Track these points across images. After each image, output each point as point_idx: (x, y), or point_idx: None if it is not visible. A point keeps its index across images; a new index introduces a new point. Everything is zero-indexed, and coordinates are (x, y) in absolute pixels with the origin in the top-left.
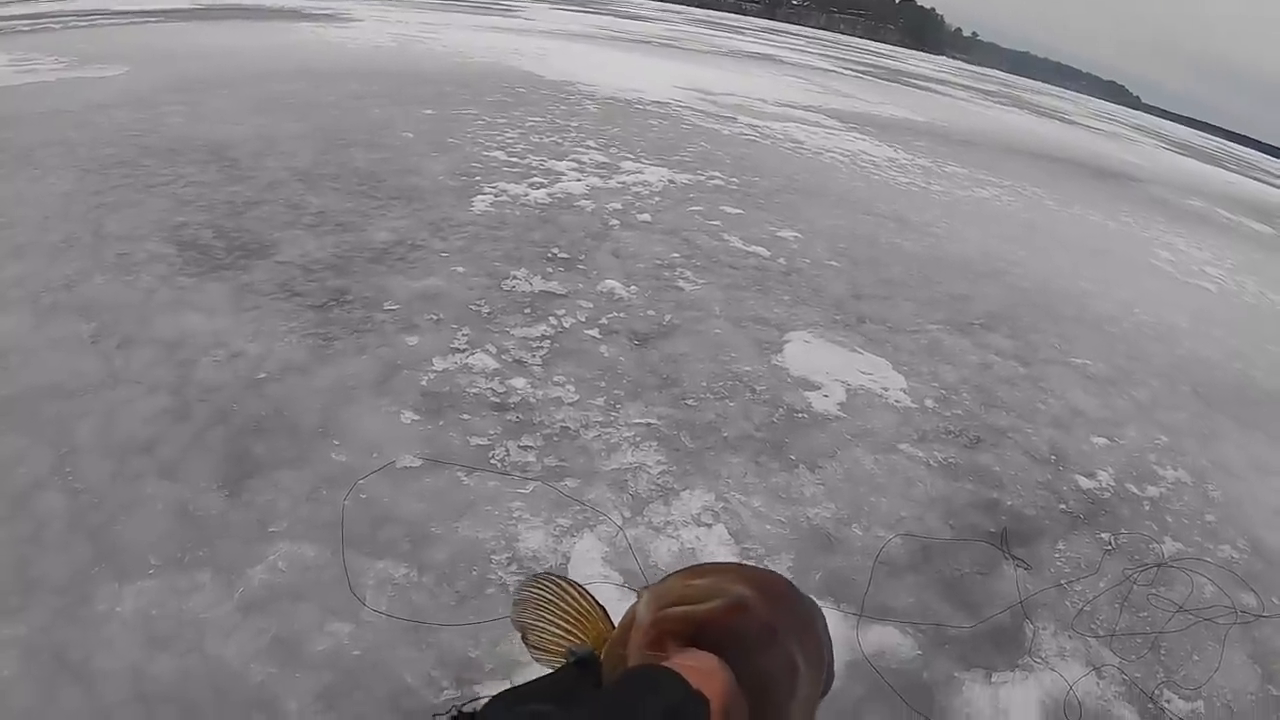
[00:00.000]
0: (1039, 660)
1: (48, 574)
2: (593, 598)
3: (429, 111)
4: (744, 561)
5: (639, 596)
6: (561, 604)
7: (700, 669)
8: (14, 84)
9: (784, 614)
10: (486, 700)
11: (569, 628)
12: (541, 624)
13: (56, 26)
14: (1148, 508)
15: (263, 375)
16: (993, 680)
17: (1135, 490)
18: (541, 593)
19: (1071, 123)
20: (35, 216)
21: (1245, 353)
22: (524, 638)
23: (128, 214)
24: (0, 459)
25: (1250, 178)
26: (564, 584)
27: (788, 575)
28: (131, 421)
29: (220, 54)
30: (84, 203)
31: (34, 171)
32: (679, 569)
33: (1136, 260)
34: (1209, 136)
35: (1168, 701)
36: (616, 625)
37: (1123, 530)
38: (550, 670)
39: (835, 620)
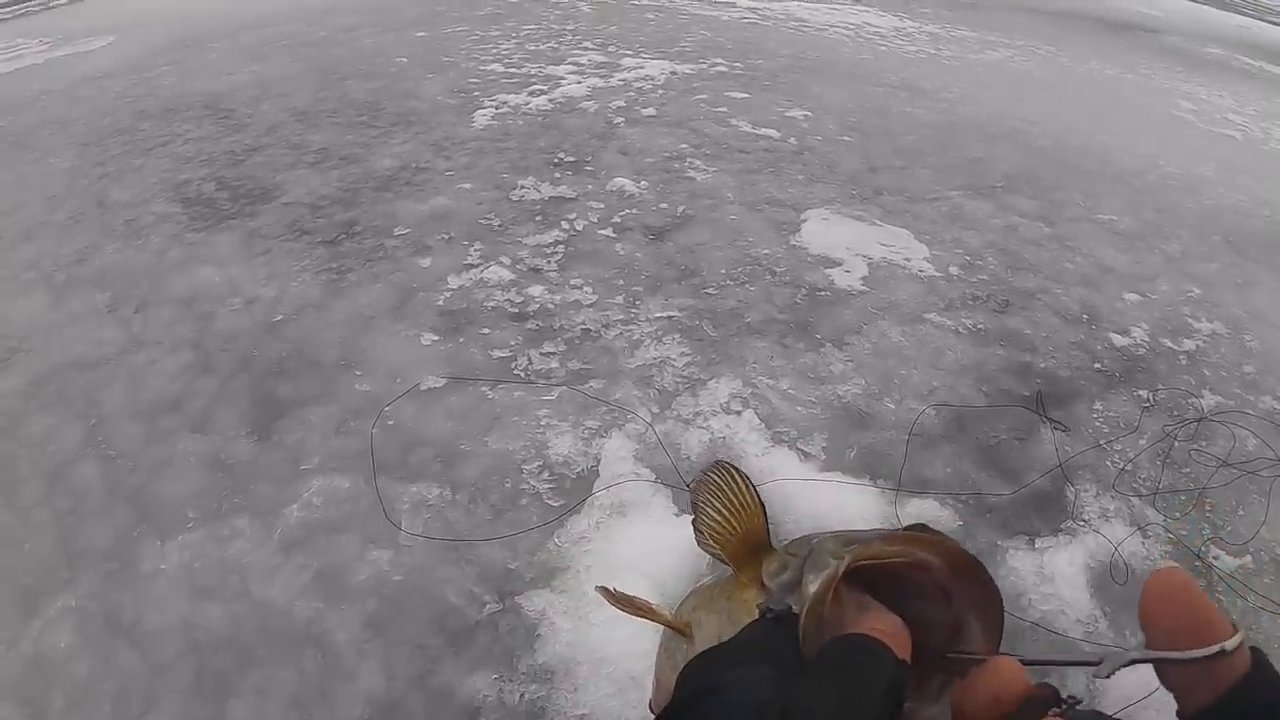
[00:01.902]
0: (1082, 523)
1: (92, 543)
2: (756, 493)
3: (421, 34)
4: (935, 531)
5: (825, 552)
6: (728, 491)
7: (890, 633)
8: (3, 72)
9: (965, 585)
10: (689, 662)
11: (727, 515)
12: (708, 508)
13: (38, 9)
14: (1184, 362)
15: (280, 317)
16: (1036, 546)
17: (1171, 345)
18: (715, 478)
19: None
20: (40, 198)
21: (1274, 200)
22: (694, 520)
23: (130, 180)
24: (33, 438)
25: (1269, 23)
26: (734, 474)
27: (821, 456)
28: (157, 382)
29: (205, 8)
30: (86, 176)
31: (33, 154)
32: (877, 530)
33: (1157, 112)
34: None
35: (1215, 558)
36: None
37: (1160, 386)
38: (714, 557)
39: (873, 497)
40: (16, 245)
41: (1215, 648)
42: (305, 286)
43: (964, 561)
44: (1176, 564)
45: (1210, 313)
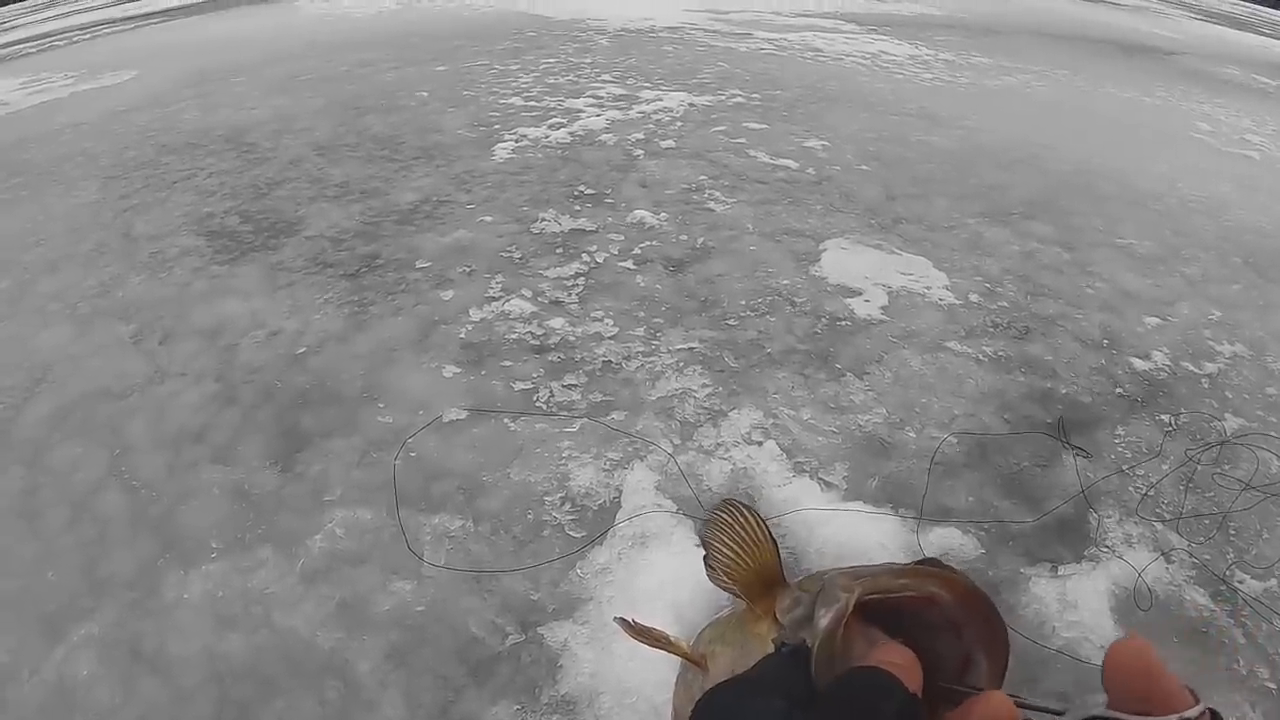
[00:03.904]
0: (1105, 549)
1: (115, 571)
2: (767, 529)
3: (441, 68)
4: (946, 565)
5: (830, 584)
6: (737, 528)
7: (902, 666)
8: (29, 104)
9: (973, 619)
10: (704, 694)
11: (739, 551)
12: (719, 544)
13: (62, 43)
14: (1206, 385)
15: (303, 349)
16: (1059, 573)
17: (1192, 368)
18: (724, 515)
19: (1096, 0)
20: (65, 229)
21: None
22: (705, 558)
23: (155, 213)
24: (58, 467)
25: None
26: (744, 511)
27: (843, 486)
28: (181, 413)
29: (226, 43)
30: (111, 209)
31: (59, 186)
32: (887, 564)
33: (1175, 134)
34: (1239, 2)
35: (1240, 582)
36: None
37: (1182, 410)
38: (731, 592)
39: (895, 526)
40: (42, 276)
41: (1175, 716)
42: (328, 319)
43: (972, 596)
44: (1136, 634)
45: (1231, 335)
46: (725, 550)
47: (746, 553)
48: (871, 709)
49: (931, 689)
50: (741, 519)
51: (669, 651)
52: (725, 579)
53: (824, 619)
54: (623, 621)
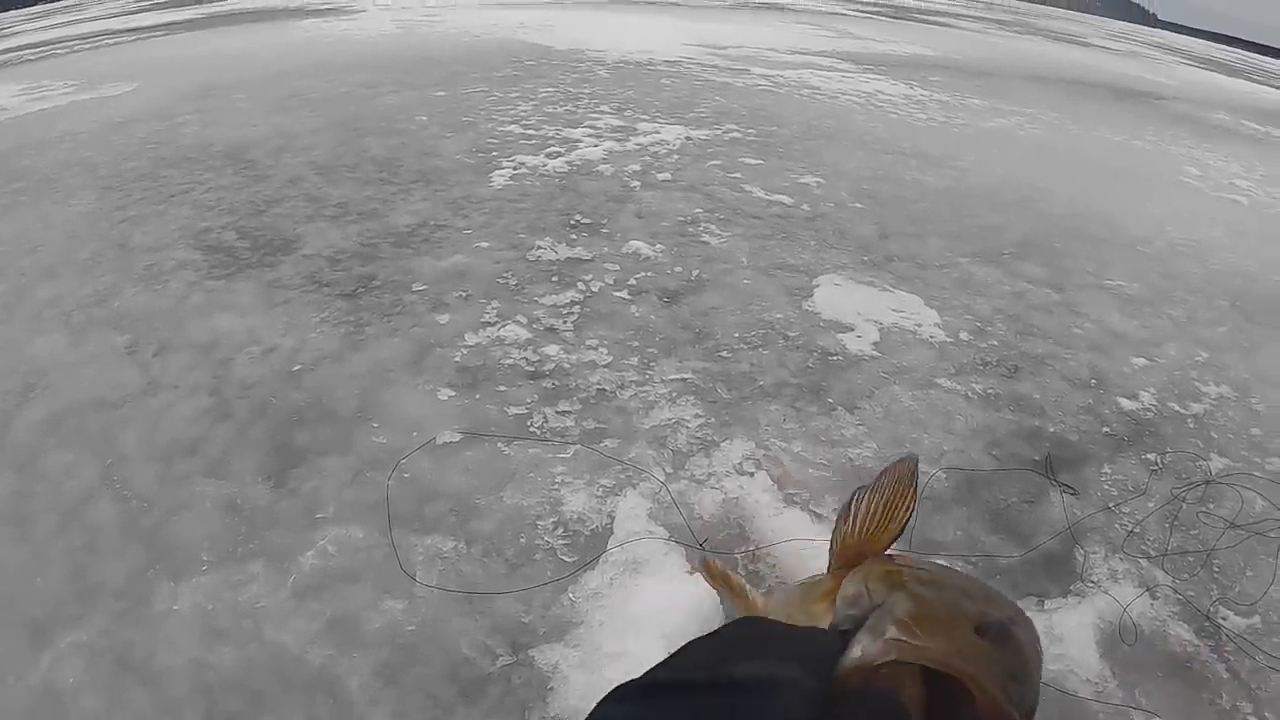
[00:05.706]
0: (1091, 585)
1: (105, 580)
2: (913, 506)
3: (441, 93)
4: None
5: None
6: (891, 490)
7: None
8: (29, 111)
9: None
10: (739, 620)
11: (872, 514)
12: (866, 504)
13: (63, 51)
14: (1192, 425)
15: (298, 367)
16: (1045, 607)
17: (1178, 408)
18: (892, 491)
19: (1089, 45)
20: (62, 237)
21: None
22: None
23: (152, 225)
24: (50, 474)
25: (1276, 88)
26: (910, 479)
27: (833, 517)
28: (174, 425)
29: (228, 59)
30: (108, 219)
31: (56, 194)
32: (967, 588)
33: (1165, 178)
34: (1230, 49)
35: (1224, 618)
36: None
37: (1168, 449)
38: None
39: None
40: (38, 283)
41: None
42: (324, 338)
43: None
44: None
45: (1217, 376)
46: (864, 515)
47: (874, 519)
48: None
49: None
50: (905, 484)
51: (737, 601)
52: (836, 539)
53: (858, 648)
54: (706, 563)
